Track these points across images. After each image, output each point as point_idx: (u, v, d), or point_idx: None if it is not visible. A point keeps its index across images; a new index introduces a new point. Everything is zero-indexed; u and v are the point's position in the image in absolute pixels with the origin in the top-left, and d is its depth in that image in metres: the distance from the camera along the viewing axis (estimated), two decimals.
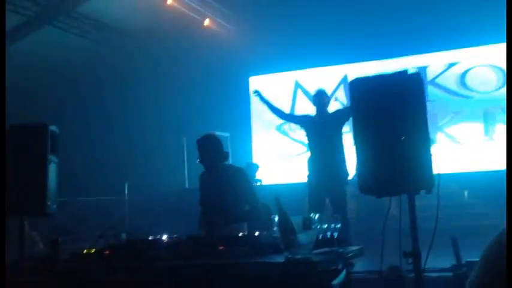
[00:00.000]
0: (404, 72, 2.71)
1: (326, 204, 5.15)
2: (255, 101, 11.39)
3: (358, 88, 2.79)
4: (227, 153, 4.20)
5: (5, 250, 2.96)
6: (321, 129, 5.27)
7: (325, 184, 5.12)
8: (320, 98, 5.42)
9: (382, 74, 2.75)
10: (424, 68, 10.15)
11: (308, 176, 5.41)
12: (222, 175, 4.09)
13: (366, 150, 2.74)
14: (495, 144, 9.57)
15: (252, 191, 4.13)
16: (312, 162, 5.38)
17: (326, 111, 5.39)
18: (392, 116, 2.67)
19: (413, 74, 2.71)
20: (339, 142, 5.20)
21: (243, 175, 4.21)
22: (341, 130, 5.24)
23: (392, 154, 2.64)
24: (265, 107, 5.76)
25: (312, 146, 5.43)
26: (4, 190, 3.09)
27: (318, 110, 5.43)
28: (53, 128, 3.30)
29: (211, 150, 4.10)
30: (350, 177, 5.21)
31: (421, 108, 2.70)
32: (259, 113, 11.35)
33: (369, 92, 2.74)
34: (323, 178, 5.15)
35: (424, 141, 2.68)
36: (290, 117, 5.81)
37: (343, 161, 5.22)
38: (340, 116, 5.20)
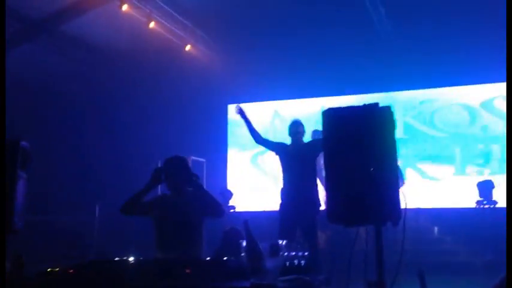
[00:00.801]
0: (376, 104, 2.79)
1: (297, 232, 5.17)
2: (232, 127, 11.59)
3: (330, 118, 2.85)
4: (191, 177, 4.08)
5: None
6: (294, 159, 5.33)
7: (297, 212, 5.16)
8: (295, 128, 5.49)
9: (354, 105, 2.82)
10: (401, 103, 10.37)
11: (280, 204, 5.44)
12: (186, 198, 4.05)
13: (335, 179, 2.79)
14: (466, 182, 9.73)
15: (215, 201, 4.06)
16: (285, 190, 5.42)
17: (301, 141, 5.46)
18: (363, 147, 2.73)
19: (384, 107, 2.79)
20: (311, 172, 5.25)
21: (206, 193, 4.12)
22: (314, 160, 5.30)
23: (361, 185, 2.69)
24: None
25: (284, 174, 5.49)
26: (4, 191, 3.06)
27: (292, 139, 5.51)
28: (24, 144, 3.28)
29: (179, 170, 4.06)
30: (322, 207, 5.25)
31: (391, 141, 2.77)
32: (235, 141, 11.42)
33: (341, 122, 2.80)
34: (295, 206, 5.19)
35: (392, 174, 2.74)
36: (265, 142, 5.80)
37: (315, 190, 5.28)
38: (314, 147, 5.24)
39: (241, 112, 5.59)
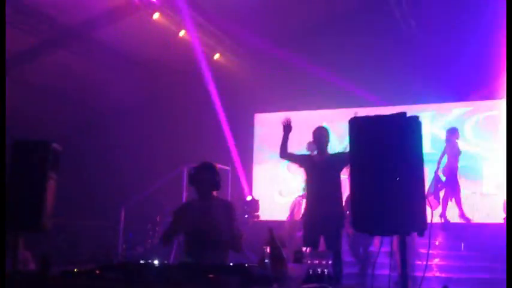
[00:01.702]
0: (403, 114, 2.77)
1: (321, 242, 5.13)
2: (258, 136, 11.61)
3: (356, 127, 2.84)
4: (220, 181, 4.26)
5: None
6: (319, 169, 5.30)
7: (321, 222, 5.12)
8: (318, 132, 5.45)
9: (381, 115, 2.80)
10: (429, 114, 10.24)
11: (304, 213, 5.42)
12: (213, 204, 4.13)
13: (361, 188, 2.78)
14: (495, 197, 9.52)
15: (235, 226, 4.17)
16: (309, 201, 5.40)
17: (326, 151, 5.42)
18: (389, 156, 2.71)
19: (411, 117, 2.77)
20: (336, 182, 5.21)
21: (232, 208, 4.29)
22: (339, 172, 5.25)
23: (386, 194, 2.67)
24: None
25: (309, 184, 5.46)
26: (4, 194, 3.13)
27: (318, 149, 5.48)
28: (55, 145, 3.36)
29: (209, 178, 4.14)
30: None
31: (417, 150, 2.75)
32: (260, 149, 11.43)
33: (367, 132, 2.79)
34: (319, 216, 5.15)
35: (418, 184, 2.71)
36: (290, 156, 5.78)
37: (339, 200, 5.24)
38: (340, 159, 5.17)
39: (287, 123, 5.52)
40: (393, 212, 2.64)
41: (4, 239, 3.13)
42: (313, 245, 4.74)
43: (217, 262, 3.43)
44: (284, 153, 5.69)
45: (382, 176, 2.70)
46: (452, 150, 8.97)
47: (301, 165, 5.69)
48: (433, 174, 8.91)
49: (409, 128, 2.74)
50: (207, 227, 4.07)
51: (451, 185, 8.93)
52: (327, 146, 5.44)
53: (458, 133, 9.07)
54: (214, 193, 4.25)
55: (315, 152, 5.54)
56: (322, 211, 5.19)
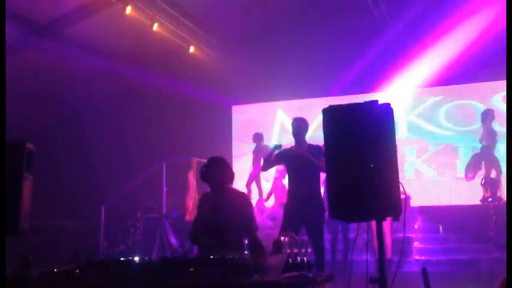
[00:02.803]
0: (375, 102, 2.81)
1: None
2: (237, 128, 11.60)
3: (330, 116, 2.88)
4: (233, 174, 4.23)
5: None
6: (298, 159, 5.32)
7: (302, 211, 5.15)
8: (297, 126, 5.46)
9: (353, 103, 2.84)
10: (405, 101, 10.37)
11: (285, 203, 5.44)
12: (227, 197, 4.13)
13: (336, 177, 2.82)
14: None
15: (255, 220, 4.15)
16: (290, 190, 5.43)
17: (304, 141, 5.43)
18: (362, 144, 2.75)
19: (383, 105, 2.81)
20: (316, 170, 5.24)
21: (249, 202, 4.30)
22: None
23: (361, 181, 2.72)
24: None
25: (290, 175, 5.49)
26: (4, 194, 3.10)
27: (296, 139, 5.49)
28: (29, 145, 3.32)
29: (219, 170, 4.16)
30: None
31: (390, 137, 2.80)
32: (239, 142, 11.43)
33: (341, 120, 2.83)
34: (300, 205, 5.18)
35: (392, 170, 2.76)
36: (271, 164, 5.80)
37: (320, 191, 5.30)
38: (317, 153, 5.18)
39: (276, 148, 5.57)
40: (368, 199, 2.69)
41: (4, 239, 3.11)
42: (294, 230, 4.80)
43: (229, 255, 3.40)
44: (267, 168, 5.76)
45: (356, 164, 2.75)
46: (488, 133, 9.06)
47: (282, 163, 5.74)
48: None
49: (381, 115, 2.79)
50: (217, 222, 4.04)
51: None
52: (304, 135, 5.46)
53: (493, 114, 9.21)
54: (229, 186, 4.23)
55: (294, 143, 5.55)
56: (302, 200, 5.21)
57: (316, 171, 5.26)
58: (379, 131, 2.76)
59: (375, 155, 2.73)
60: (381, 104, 2.81)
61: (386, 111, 2.82)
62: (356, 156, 2.75)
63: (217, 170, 4.17)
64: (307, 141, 5.48)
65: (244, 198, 4.29)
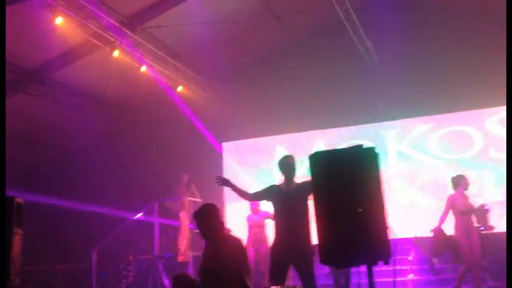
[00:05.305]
0: (360, 146, 2.86)
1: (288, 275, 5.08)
2: (227, 166, 11.55)
3: (317, 161, 2.91)
4: (223, 223, 4.34)
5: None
6: (287, 199, 5.17)
7: (291, 252, 5.01)
8: (285, 164, 5.35)
9: (339, 148, 2.89)
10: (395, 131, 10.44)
11: (273, 245, 5.29)
12: (223, 244, 4.15)
13: (325, 222, 2.83)
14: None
15: (246, 265, 4.21)
16: (278, 231, 5.24)
17: (293, 180, 5.31)
18: (349, 188, 2.78)
19: (368, 148, 2.86)
20: (304, 211, 5.11)
21: (242, 248, 4.31)
22: (307, 201, 5.15)
23: (350, 226, 2.74)
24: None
25: (277, 214, 5.28)
26: (4, 194, 3.08)
27: (285, 177, 5.35)
28: (18, 200, 3.32)
29: (207, 218, 4.22)
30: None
31: (376, 180, 2.83)
32: (231, 180, 11.34)
33: (327, 166, 2.87)
34: (289, 246, 5.02)
35: (379, 213, 2.79)
36: (257, 196, 5.66)
37: (309, 230, 5.11)
38: (307, 188, 5.02)
39: (224, 182, 5.48)
40: (357, 244, 2.70)
41: (4, 240, 3.07)
42: (280, 277, 4.78)
43: None
44: (249, 198, 5.64)
45: (345, 209, 2.77)
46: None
47: (269, 199, 5.53)
48: None
49: (366, 159, 2.83)
50: (216, 270, 4.11)
51: None
52: (293, 174, 5.33)
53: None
54: (221, 233, 4.30)
55: (282, 182, 5.42)
56: (291, 239, 5.07)
57: (304, 211, 5.09)
58: (365, 174, 2.80)
59: (363, 199, 2.76)
60: (366, 148, 2.86)
61: (371, 154, 2.86)
62: (344, 201, 2.77)
63: (206, 218, 4.21)
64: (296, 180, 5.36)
65: (237, 244, 4.28)
